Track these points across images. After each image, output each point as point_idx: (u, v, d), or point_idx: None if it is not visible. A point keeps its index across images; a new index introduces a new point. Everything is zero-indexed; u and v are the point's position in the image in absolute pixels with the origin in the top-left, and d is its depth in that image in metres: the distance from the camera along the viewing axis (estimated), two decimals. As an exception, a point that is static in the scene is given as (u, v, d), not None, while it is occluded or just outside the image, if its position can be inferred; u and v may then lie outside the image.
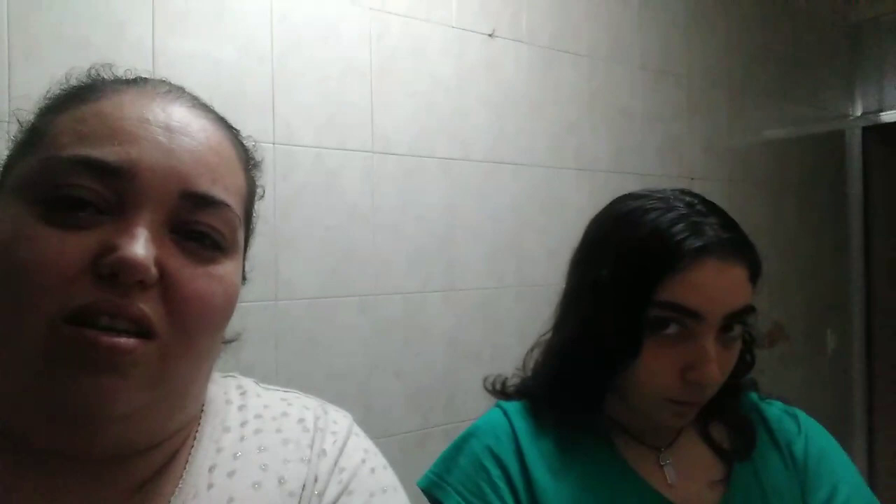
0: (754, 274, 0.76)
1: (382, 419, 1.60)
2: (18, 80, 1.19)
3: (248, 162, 0.56)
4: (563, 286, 0.85)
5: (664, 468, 0.80)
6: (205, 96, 0.54)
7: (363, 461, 0.58)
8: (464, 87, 1.75)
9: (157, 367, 0.45)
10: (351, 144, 1.57)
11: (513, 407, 0.84)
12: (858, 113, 2.86)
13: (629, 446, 0.81)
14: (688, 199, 0.78)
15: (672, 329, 0.72)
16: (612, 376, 0.78)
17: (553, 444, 0.80)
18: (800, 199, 2.65)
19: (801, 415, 0.88)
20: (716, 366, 0.72)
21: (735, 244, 0.74)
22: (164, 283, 0.45)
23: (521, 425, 0.81)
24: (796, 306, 2.61)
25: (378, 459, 0.60)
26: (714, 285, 0.71)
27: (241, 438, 0.55)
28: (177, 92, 0.52)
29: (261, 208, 0.58)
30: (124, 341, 0.43)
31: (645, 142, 2.16)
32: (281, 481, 0.53)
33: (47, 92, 0.52)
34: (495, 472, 0.77)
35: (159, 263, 0.44)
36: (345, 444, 0.58)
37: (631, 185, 0.86)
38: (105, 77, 0.52)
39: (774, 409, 0.88)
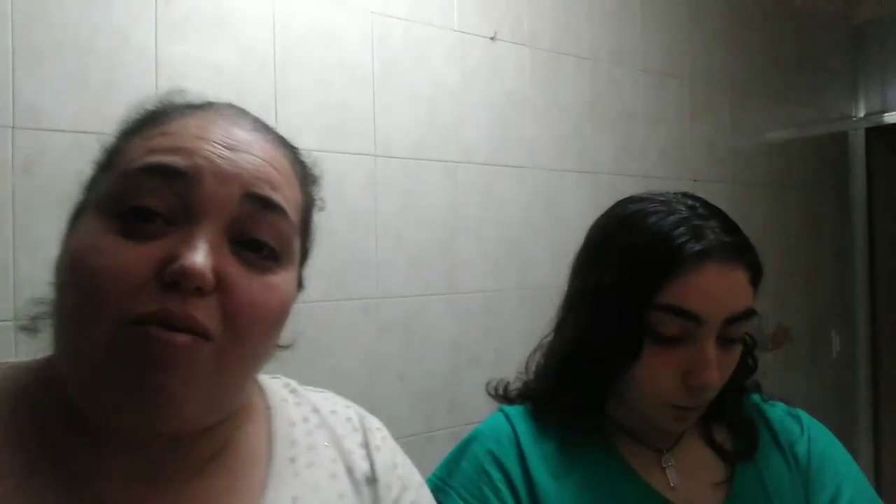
0: (755, 277, 0.76)
1: (386, 422, 1.56)
2: (23, 88, 1.19)
3: (306, 178, 0.60)
4: (565, 289, 0.86)
5: (666, 470, 0.80)
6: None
7: (402, 458, 0.66)
8: (466, 91, 1.75)
9: (212, 366, 0.48)
10: (353, 148, 1.57)
11: (515, 411, 0.84)
12: (861, 114, 2.85)
13: (631, 448, 0.81)
14: (689, 202, 0.78)
15: (672, 332, 0.73)
16: (613, 379, 0.78)
17: (555, 446, 0.80)
18: (803, 201, 2.64)
19: (804, 416, 0.88)
20: (716, 370, 0.72)
21: (736, 247, 0.74)
22: (221, 291, 0.48)
23: (523, 429, 0.81)
24: (800, 309, 2.60)
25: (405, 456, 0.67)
26: (714, 289, 0.72)
27: (309, 433, 0.61)
28: (240, 115, 0.56)
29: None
30: (181, 338, 0.46)
31: (647, 144, 2.15)
32: (350, 471, 0.60)
33: (125, 116, 0.56)
34: (497, 476, 0.77)
35: (218, 272, 0.48)
36: (387, 441, 0.66)
37: (634, 188, 0.86)
38: (175, 102, 0.57)
39: (777, 411, 0.88)
